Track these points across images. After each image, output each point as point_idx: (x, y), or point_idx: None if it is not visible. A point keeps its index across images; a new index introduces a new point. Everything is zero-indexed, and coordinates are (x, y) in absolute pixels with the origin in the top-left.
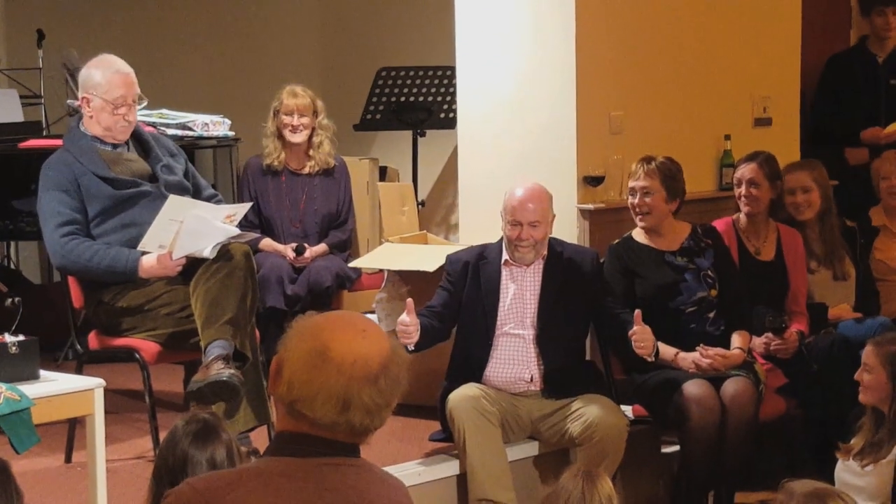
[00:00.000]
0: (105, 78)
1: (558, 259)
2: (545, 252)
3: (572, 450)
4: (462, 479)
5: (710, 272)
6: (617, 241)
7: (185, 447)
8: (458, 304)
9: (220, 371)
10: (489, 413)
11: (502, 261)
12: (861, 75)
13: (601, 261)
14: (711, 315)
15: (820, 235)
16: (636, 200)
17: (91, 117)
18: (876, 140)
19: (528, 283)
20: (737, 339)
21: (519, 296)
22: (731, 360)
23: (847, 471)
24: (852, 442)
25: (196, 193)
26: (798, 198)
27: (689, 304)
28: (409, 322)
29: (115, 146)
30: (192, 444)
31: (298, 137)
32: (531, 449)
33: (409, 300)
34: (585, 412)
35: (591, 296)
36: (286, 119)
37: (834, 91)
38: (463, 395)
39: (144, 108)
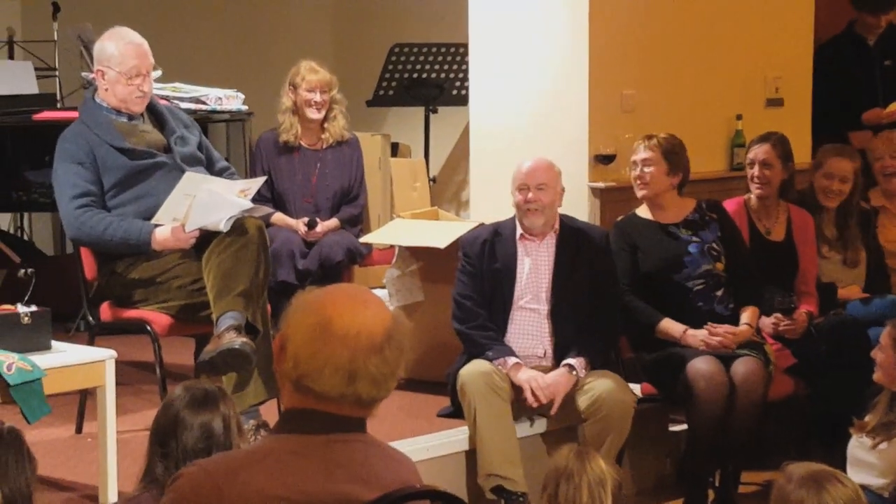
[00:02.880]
0: (118, 49)
1: (570, 234)
2: (557, 226)
3: (579, 425)
4: (470, 455)
5: (714, 245)
6: (621, 217)
7: (179, 409)
8: (484, 281)
9: (232, 340)
10: (500, 389)
11: (517, 236)
12: (854, 59)
13: (609, 242)
14: (720, 293)
15: (835, 220)
16: (637, 172)
17: (106, 90)
18: (877, 120)
19: (543, 258)
20: (745, 316)
21: (534, 270)
22: (740, 336)
23: (860, 447)
24: (866, 419)
25: (209, 165)
26: (834, 185)
27: (694, 277)
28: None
29: (130, 118)
30: (186, 408)
31: (320, 114)
32: (539, 426)
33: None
34: (593, 387)
35: (598, 273)
36: (309, 96)
37: (829, 77)
38: (474, 371)
39: (158, 80)
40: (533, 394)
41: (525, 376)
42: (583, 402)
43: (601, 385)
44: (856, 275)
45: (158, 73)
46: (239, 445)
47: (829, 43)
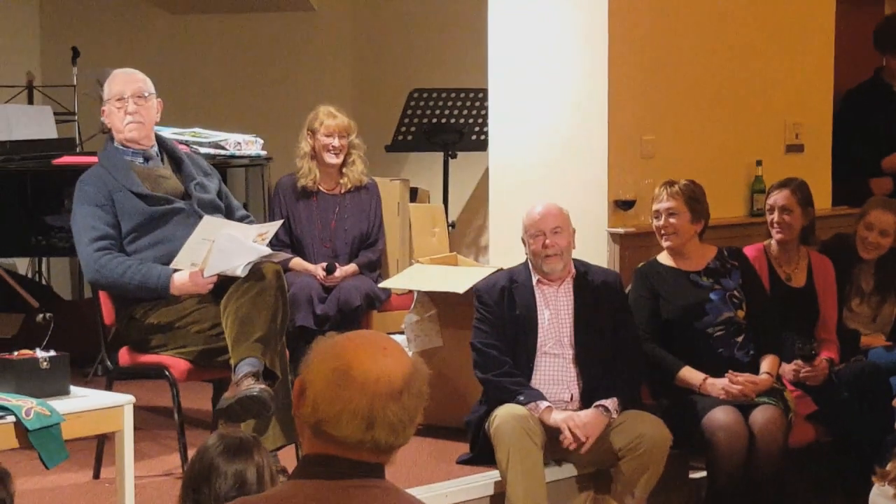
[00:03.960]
0: (109, 83)
1: (585, 278)
2: (573, 270)
3: (614, 465)
4: (492, 501)
5: (736, 293)
6: (643, 264)
7: (213, 457)
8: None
9: (251, 387)
10: (534, 433)
11: (534, 282)
12: (880, 106)
13: (623, 284)
14: (740, 339)
15: (874, 275)
16: (661, 222)
17: (111, 127)
18: None
19: (562, 303)
20: (765, 364)
21: (555, 316)
22: (761, 385)
23: (882, 496)
24: (888, 467)
25: (228, 214)
26: (872, 237)
27: (715, 324)
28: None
29: (146, 160)
30: (221, 456)
31: (337, 159)
32: (568, 470)
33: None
34: (630, 426)
35: (616, 316)
36: (326, 140)
37: (853, 123)
38: (510, 414)
39: (177, 125)
40: (571, 433)
41: (561, 417)
42: (619, 440)
43: (639, 423)
44: (882, 329)
45: (152, 99)
46: None
47: (856, 90)
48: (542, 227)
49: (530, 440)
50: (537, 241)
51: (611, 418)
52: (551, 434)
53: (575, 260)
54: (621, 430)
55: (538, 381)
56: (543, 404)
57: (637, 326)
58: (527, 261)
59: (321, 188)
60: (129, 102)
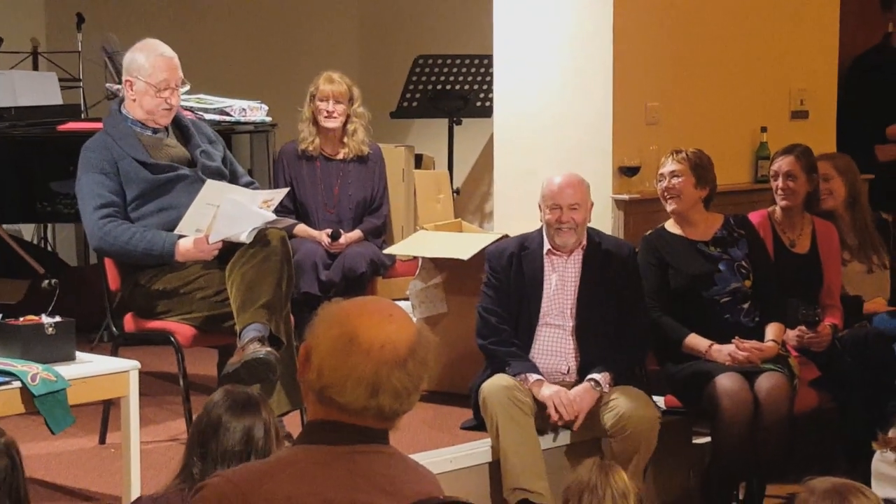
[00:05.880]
0: (149, 61)
1: (597, 249)
2: (584, 242)
3: (604, 440)
4: (494, 467)
5: (744, 263)
6: (650, 231)
7: (221, 412)
8: (509, 296)
9: (257, 350)
10: (522, 403)
11: (544, 251)
12: (887, 72)
13: (636, 257)
14: (745, 306)
15: (852, 226)
16: (665, 184)
17: (134, 100)
18: None
19: (570, 274)
20: (770, 332)
21: (560, 286)
22: (766, 352)
23: (884, 462)
24: (890, 434)
25: (233, 180)
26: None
27: (723, 294)
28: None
29: (154, 131)
30: (228, 411)
31: (332, 123)
32: (563, 438)
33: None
34: (618, 404)
35: (625, 288)
36: (321, 105)
37: (860, 90)
38: (496, 385)
39: (184, 92)
40: (556, 410)
41: (548, 392)
42: (607, 419)
43: (625, 401)
44: (880, 282)
45: (186, 87)
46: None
47: (863, 55)
48: (560, 201)
49: (519, 409)
50: (553, 214)
51: (602, 392)
52: (542, 405)
53: (590, 229)
54: (609, 407)
55: (537, 350)
56: (533, 377)
57: (645, 300)
58: (541, 227)
59: (324, 153)
60: (174, 95)
